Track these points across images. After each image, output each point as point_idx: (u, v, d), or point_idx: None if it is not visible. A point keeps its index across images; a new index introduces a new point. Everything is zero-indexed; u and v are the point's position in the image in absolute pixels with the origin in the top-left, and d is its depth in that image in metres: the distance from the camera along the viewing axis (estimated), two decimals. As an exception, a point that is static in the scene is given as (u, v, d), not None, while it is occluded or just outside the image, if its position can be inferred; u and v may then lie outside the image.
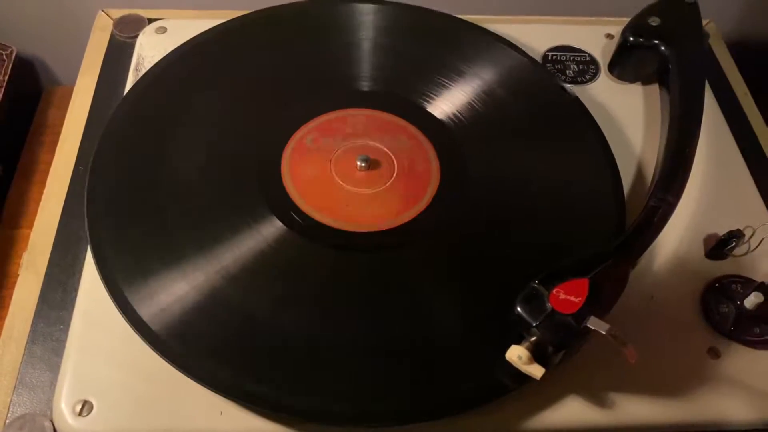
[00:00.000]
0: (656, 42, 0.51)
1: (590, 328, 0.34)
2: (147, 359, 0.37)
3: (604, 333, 0.33)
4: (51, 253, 0.44)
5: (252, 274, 0.40)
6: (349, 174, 0.45)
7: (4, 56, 0.63)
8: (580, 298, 0.34)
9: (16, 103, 0.63)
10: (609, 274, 0.36)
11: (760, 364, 0.41)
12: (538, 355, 0.34)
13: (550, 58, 0.56)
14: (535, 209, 0.45)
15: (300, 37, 0.52)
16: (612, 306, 0.36)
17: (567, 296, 0.35)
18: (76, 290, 0.42)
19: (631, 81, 0.55)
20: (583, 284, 0.35)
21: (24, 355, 0.40)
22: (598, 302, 0.35)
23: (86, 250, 0.43)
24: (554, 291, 0.35)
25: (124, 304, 0.38)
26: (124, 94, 0.48)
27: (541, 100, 0.50)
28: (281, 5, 0.53)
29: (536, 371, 0.34)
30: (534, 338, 0.34)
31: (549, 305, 0.35)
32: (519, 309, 0.35)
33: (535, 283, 0.36)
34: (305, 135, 0.47)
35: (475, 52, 0.52)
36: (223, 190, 0.44)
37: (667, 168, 0.44)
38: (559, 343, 0.34)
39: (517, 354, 0.34)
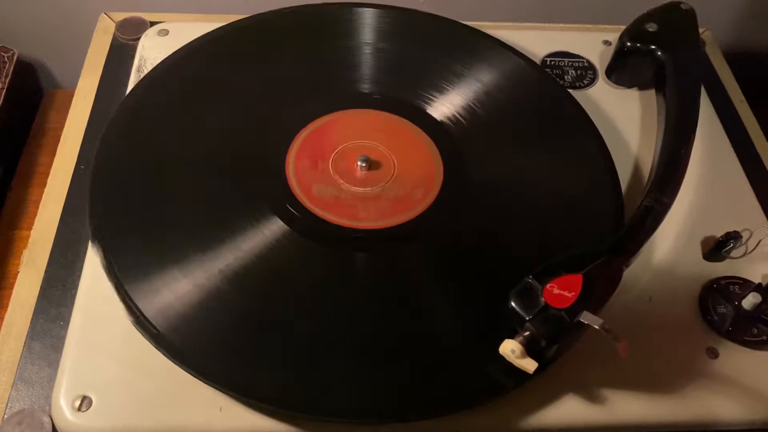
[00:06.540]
0: (653, 47, 0.52)
1: (583, 323, 0.34)
2: (146, 355, 0.37)
3: (597, 327, 0.34)
4: (51, 251, 0.44)
5: (253, 271, 0.40)
6: (350, 174, 0.45)
7: (6, 59, 0.63)
8: (573, 293, 0.35)
9: (16, 105, 0.63)
10: (603, 271, 0.36)
11: (757, 364, 0.41)
12: (531, 349, 0.34)
13: (548, 63, 0.56)
14: (535, 210, 0.45)
15: (301, 40, 0.52)
16: (605, 302, 0.36)
17: (561, 291, 0.35)
18: (75, 287, 0.41)
19: (628, 86, 0.55)
20: (576, 280, 0.35)
21: (23, 351, 0.40)
22: (592, 298, 0.35)
23: (86, 248, 0.43)
24: (548, 286, 0.35)
25: (127, 300, 0.38)
26: (127, 92, 0.49)
27: (541, 103, 0.51)
28: (283, 9, 0.54)
29: (529, 365, 0.34)
30: (527, 332, 0.34)
31: (543, 300, 0.35)
32: (513, 303, 0.35)
33: (530, 278, 0.36)
34: (308, 136, 0.47)
35: (476, 56, 0.52)
36: (225, 189, 0.44)
37: (662, 170, 0.44)
38: (552, 337, 0.34)
39: (510, 348, 0.34)
